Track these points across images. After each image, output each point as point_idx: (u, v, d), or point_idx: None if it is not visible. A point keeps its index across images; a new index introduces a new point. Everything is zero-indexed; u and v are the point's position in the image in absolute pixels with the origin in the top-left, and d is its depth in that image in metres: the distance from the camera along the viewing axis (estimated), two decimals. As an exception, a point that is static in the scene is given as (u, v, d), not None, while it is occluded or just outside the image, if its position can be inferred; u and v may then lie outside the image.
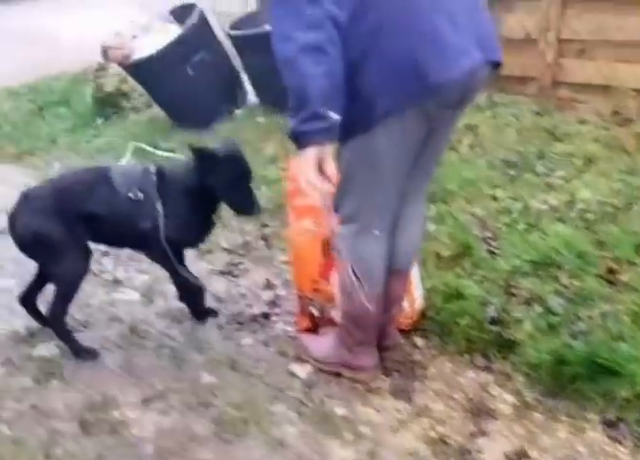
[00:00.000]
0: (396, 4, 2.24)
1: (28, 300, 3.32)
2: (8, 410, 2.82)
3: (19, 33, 10.16)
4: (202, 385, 2.88)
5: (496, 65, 2.41)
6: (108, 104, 6.25)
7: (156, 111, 5.90)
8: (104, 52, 5.24)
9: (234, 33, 5.01)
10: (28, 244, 3.05)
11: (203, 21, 5.28)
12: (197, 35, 5.19)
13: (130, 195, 2.98)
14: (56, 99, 7.19)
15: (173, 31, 5.35)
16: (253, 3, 5.90)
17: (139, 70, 5.37)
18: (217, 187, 2.99)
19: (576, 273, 3.09)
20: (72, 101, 6.91)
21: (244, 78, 5.53)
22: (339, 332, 2.86)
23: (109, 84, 6.16)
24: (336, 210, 2.65)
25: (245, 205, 3.05)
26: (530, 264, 3.19)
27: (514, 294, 3.10)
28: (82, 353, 3.09)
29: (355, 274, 2.66)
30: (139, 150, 5.19)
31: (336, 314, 3.07)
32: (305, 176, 2.26)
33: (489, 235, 3.45)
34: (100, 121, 6.22)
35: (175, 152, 5.12)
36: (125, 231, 3.05)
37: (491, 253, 3.35)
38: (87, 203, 2.98)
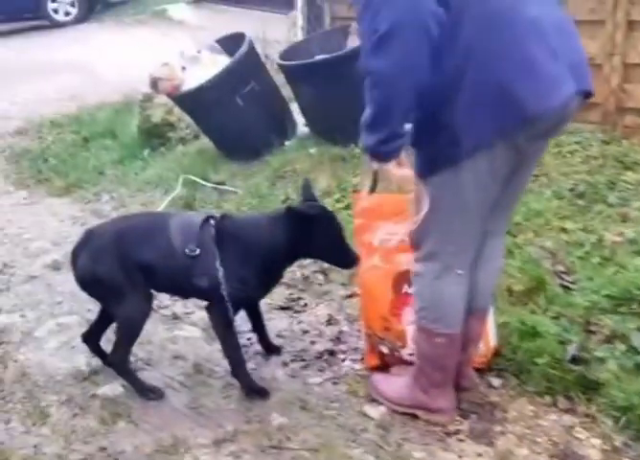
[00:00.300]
0: (485, 23, 2.15)
1: (91, 338, 3.27)
2: (76, 453, 2.75)
3: (55, 63, 10.33)
4: (274, 427, 2.79)
5: (587, 95, 2.33)
6: (155, 135, 6.24)
7: (204, 142, 5.88)
8: (154, 82, 5.23)
9: (284, 63, 4.97)
10: (88, 284, 3.03)
11: (252, 51, 5.25)
12: (247, 65, 5.16)
13: (187, 250, 2.85)
14: (100, 130, 7.20)
15: (222, 61, 5.33)
16: (299, 31, 5.88)
17: (188, 101, 5.34)
18: (316, 246, 2.90)
19: (659, 310, 2.97)
20: (117, 132, 6.91)
21: (294, 108, 5.48)
22: (414, 372, 2.77)
23: (156, 115, 6.15)
24: (416, 247, 2.57)
25: (346, 260, 2.97)
26: (609, 299, 3.07)
27: (593, 332, 2.99)
28: (147, 392, 3.03)
29: (434, 315, 2.57)
30: (189, 182, 5.17)
31: (407, 353, 3.00)
32: (393, 180, 2.44)
33: (561, 269, 3.34)
34: (146, 152, 6.21)
35: (225, 184, 5.09)
36: (182, 285, 2.98)
37: (566, 288, 3.24)
38: (144, 252, 2.91)
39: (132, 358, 3.34)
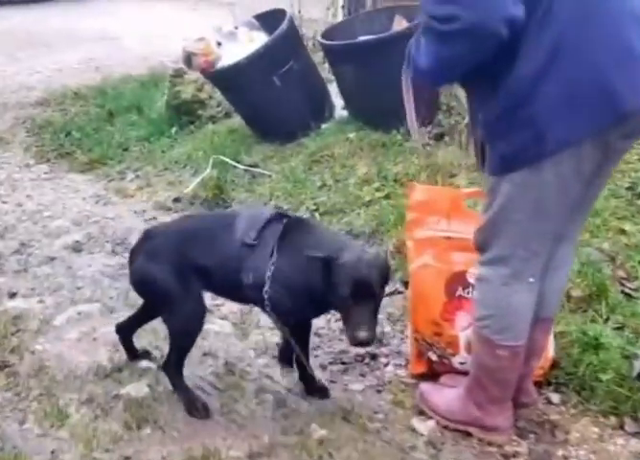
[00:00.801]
0: (579, 12, 1.95)
1: (125, 330, 3.05)
2: (98, 462, 2.54)
3: (80, 34, 10.10)
4: (314, 440, 2.55)
5: None
6: (184, 113, 5.97)
7: (236, 122, 5.62)
8: (187, 57, 4.97)
9: (327, 42, 4.69)
10: (141, 287, 2.81)
11: (292, 29, 4.98)
12: (287, 44, 4.89)
13: (245, 238, 2.57)
14: (125, 104, 6.93)
15: (259, 38, 5.07)
16: (340, 11, 5.59)
17: (223, 78, 5.07)
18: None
19: None
20: (143, 107, 6.65)
21: (331, 90, 5.21)
22: (469, 385, 2.53)
23: (186, 92, 5.89)
24: (482, 249, 2.32)
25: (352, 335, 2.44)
26: (678, 310, 2.83)
27: (660, 345, 2.74)
28: (195, 410, 2.74)
29: (499, 325, 2.33)
30: (219, 163, 4.93)
31: (459, 362, 2.76)
32: None
33: (622, 274, 3.08)
34: (174, 130, 5.96)
35: (258, 167, 4.85)
36: (232, 281, 2.63)
37: (628, 295, 2.99)
38: (204, 256, 2.63)
39: (158, 354, 3.16)
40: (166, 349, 3.13)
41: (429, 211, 2.79)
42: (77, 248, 4.37)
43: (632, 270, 3.09)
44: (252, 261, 2.55)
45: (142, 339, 3.26)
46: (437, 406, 2.63)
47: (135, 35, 9.81)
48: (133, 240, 4.38)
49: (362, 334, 2.35)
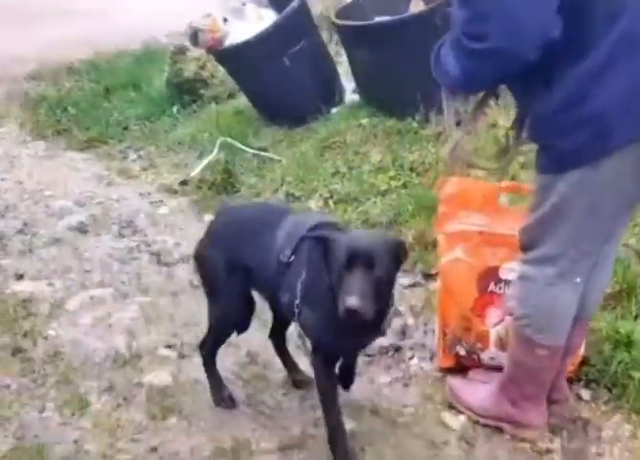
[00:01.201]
0: None
1: (276, 337, 2.85)
2: (123, 453, 2.49)
3: (72, 7, 9.84)
4: (345, 433, 2.53)
5: None
6: (185, 91, 5.85)
7: (241, 102, 5.51)
8: (193, 34, 4.83)
9: (342, 23, 4.57)
10: (195, 262, 2.70)
11: (304, 7, 4.84)
12: (298, 23, 4.76)
13: (281, 256, 2.33)
14: (121, 80, 6.78)
15: (268, 16, 4.95)
16: (349, -10, 5.46)
17: (231, 57, 4.95)
18: None
19: None
20: (141, 84, 6.52)
21: (342, 72, 5.12)
22: (503, 381, 2.50)
23: (188, 69, 5.76)
24: (528, 247, 2.28)
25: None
26: None
27: (691, 344, 2.73)
28: (220, 400, 2.69)
29: (541, 324, 2.30)
30: (226, 146, 4.84)
31: (488, 357, 2.74)
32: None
33: (651, 270, 3.06)
34: (175, 108, 5.84)
35: (267, 151, 4.76)
36: (275, 298, 2.48)
37: (658, 292, 2.97)
38: (249, 252, 2.46)
39: (178, 342, 3.10)
40: (185, 337, 3.12)
41: (461, 205, 2.74)
42: (82, 230, 4.29)
43: (660, 266, 3.07)
44: (287, 279, 2.32)
45: (159, 327, 3.21)
46: (468, 402, 2.60)
47: (128, 10, 9.58)
48: (139, 222, 4.34)
49: (350, 300, 2.01)
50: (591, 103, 1.94)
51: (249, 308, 2.59)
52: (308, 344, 2.35)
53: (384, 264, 2.10)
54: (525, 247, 2.29)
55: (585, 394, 2.68)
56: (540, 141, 2.15)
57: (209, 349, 2.68)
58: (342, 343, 2.26)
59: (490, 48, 1.90)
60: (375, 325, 2.21)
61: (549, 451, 2.45)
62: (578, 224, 2.12)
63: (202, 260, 2.61)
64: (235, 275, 2.48)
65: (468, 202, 2.75)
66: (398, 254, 2.17)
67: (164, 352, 3.02)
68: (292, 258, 2.29)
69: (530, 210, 2.25)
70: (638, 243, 3.21)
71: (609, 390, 2.66)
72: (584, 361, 2.72)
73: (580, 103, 1.96)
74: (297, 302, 2.26)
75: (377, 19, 4.57)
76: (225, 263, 2.49)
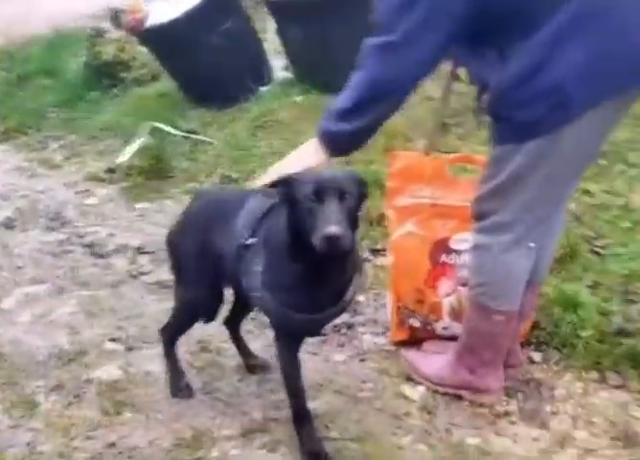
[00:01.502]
0: None
1: (232, 325, 2.77)
2: (80, 451, 2.39)
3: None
4: (307, 413, 2.51)
5: None
6: (105, 75, 5.67)
7: (165, 85, 5.36)
8: (115, 15, 4.69)
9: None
10: (167, 247, 2.57)
11: (229, -15, 4.76)
12: (224, 1, 4.67)
13: (240, 238, 2.22)
14: (34, 67, 6.53)
15: (192, -6, 4.83)
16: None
17: (156, 37, 4.80)
18: None
19: (700, 277, 2.83)
20: (56, 69, 6.28)
21: (269, 50, 5.04)
22: (459, 350, 2.53)
23: (107, 52, 5.58)
24: (481, 216, 2.29)
25: None
26: (646, 267, 2.91)
27: (634, 301, 2.82)
28: (177, 390, 2.62)
29: (496, 291, 2.32)
30: (154, 130, 4.71)
31: (442, 327, 2.77)
32: None
33: (590, 234, 3.14)
34: (95, 94, 5.65)
35: (198, 133, 4.65)
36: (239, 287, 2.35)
37: (597, 254, 3.06)
38: (217, 237, 2.34)
39: (124, 335, 3.01)
40: (130, 330, 3.04)
41: (411, 178, 2.73)
42: (8, 225, 4.13)
43: (599, 229, 3.15)
44: (247, 263, 2.21)
45: (102, 320, 3.11)
46: (426, 372, 2.62)
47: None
48: (68, 214, 4.20)
49: (329, 228, 1.88)
50: (548, 74, 1.95)
51: (218, 297, 2.48)
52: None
53: (353, 195, 2.01)
54: (479, 216, 2.31)
55: (537, 356, 2.74)
56: (498, 113, 2.14)
57: (171, 334, 2.60)
58: (306, 323, 2.20)
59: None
60: (341, 289, 2.17)
61: (507, 414, 2.49)
62: (535, 192, 2.15)
63: (173, 246, 2.51)
64: (205, 263, 2.37)
65: (418, 176, 2.74)
66: (362, 188, 2.09)
67: (110, 346, 2.93)
68: (251, 240, 2.20)
69: (484, 180, 2.26)
70: (577, 207, 3.28)
71: (559, 351, 2.73)
72: (534, 325, 2.77)
73: (536, 75, 1.97)
74: (259, 286, 2.17)
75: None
76: (196, 249, 2.39)
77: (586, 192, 3.32)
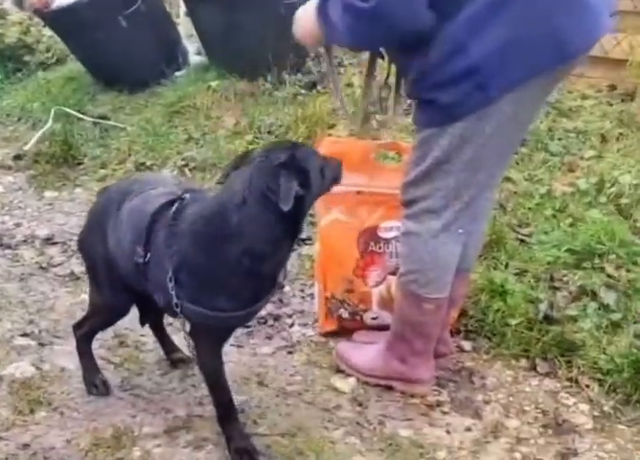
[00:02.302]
0: None
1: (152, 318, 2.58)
2: (-9, 453, 2.22)
3: None
4: (234, 409, 2.40)
5: None
6: (8, 59, 5.37)
7: (72, 68, 5.11)
8: (18, -4, 4.43)
9: (183, -19, 4.34)
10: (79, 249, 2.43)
11: (139, -36, 4.55)
12: (134, -19, 4.47)
13: (135, 257, 2.06)
14: None
15: (98, -25, 4.60)
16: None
17: (62, 20, 4.56)
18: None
19: (622, 264, 2.86)
20: (-45, 53, 5.91)
21: (182, 33, 4.87)
22: (391, 340, 2.47)
23: (9, 36, 5.29)
24: (409, 203, 2.24)
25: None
26: (570, 254, 2.92)
27: (558, 288, 2.83)
28: (94, 388, 2.46)
29: (426, 278, 2.28)
30: (62, 115, 4.47)
31: (371, 317, 2.72)
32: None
33: (514, 221, 3.15)
34: (-2, 78, 5.35)
35: (109, 119, 4.45)
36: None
37: (522, 242, 3.06)
38: (110, 240, 2.20)
39: (35, 329, 2.83)
40: (42, 323, 2.87)
41: (338, 165, 2.66)
42: None
43: (523, 217, 3.16)
44: (153, 279, 2.05)
45: (12, 314, 2.92)
46: (356, 363, 2.56)
47: None
48: (-28, 205, 3.93)
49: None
50: (466, 57, 1.93)
51: (132, 298, 2.32)
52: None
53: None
54: (407, 203, 2.25)
55: (467, 345, 2.72)
56: (420, 96, 2.11)
57: (86, 333, 2.44)
58: (240, 319, 2.07)
59: (374, 8, 1.84)
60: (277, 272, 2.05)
61: (439, 404, 2.45)
62: (460, 176, 2.11)
63: (81, 246, 2.37)
64: (112, 266, 2.20)
65: (345, 162, 2.66)
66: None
67: (21, 341, 2.74)
68: (148, 256, 2.03)
69: (410, 165, 2.21)
70: (501, 195, 3.28)
71: (489, 339, 2.72)
72: (463, 313, 2.75)
73: (457, 56, 1.94)
74: (175, 301, 1.99)
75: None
76: (102, 251, 2.22)
77: (509, 179, 3.32)
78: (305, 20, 2.15)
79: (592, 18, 1.95)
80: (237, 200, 1.91)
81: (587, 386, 2.50)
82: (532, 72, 1.95)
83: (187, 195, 2.08)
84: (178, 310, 2.01)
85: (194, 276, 1.98)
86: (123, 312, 2.36)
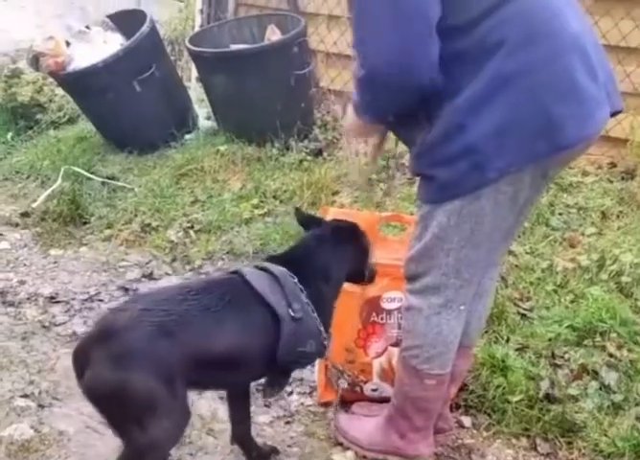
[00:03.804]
0: (521, 42, 1.93)
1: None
2: None
3: None
4: (230, 480, 2.39)
5: (616, 113, 2.14)
6: (20, 116, 5.46)
7: (82, 127, 5.20)
8: (35, 58, 4.53)
9: (197, 49, 4.43)
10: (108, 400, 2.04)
11: (154, 31, 4.68)
12: (148, 48, 4.57)
13: None
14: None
15: (114, 39, 4.74)
16: (198, 16, 5.34)
17: (76, 82, 4.66)
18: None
19: (624, 343, 2.87)
20: (-33, 109, 6.02)
21: (193, 98, 4.98)
22: (391, 414, 2.46)
23: (23, 94, 5.39)
24: (412, 278, 2.26)
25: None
26: (571, 331, 2.93)
27: (559, 366, 2.83)
28: None
29: (428, 354, 2.28)
30: (71, 174, 4.53)
31: (371, 389, 2.72)
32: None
33: (516, 295, 3.16)
34: (10, 135, 5.43)
35: (117, 179, 4.51)
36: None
37: (523, 316, 3.07)
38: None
39: (36, 391, 2.82)
40: (43, 385, 2.85)
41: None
42: None
43: (524, 291, 3.18)
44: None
45: (12, 374, 2.91)
46: (355, 436, 2.54)
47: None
48: (-21, 263, 3.95)
49: None
50: (466, 136, 1.96)
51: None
52: None
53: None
54: (410, 278, 2.28)
55: (466, 421, 2.70)
56: (421, 172, 2.15)
57: None
58: None
59: (366, 75, 1.92)
60: None
61: (437, 482, 2.44)
62: (458, 253, 2.13)
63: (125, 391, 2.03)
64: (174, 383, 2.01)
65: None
66: None
67: (21, 402, 2.72)
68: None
69: (413, 240, 2.24)
70: (502, 268, 3.29)
71: (489, 416, 2.69)
72: (462, 387, 2.74)
73: (456, 136, 1.98)
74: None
75: (234, 47, 4.49)
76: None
77: (510, 252, 3.34)
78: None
79: (590, 109, 1.98)
80: None
81: (588, 469, 2.49)
82: (528, 158, 1.98)
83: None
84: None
85: None
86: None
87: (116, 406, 1.94)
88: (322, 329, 2.23)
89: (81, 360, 1.97)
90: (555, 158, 2.04)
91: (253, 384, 2.54)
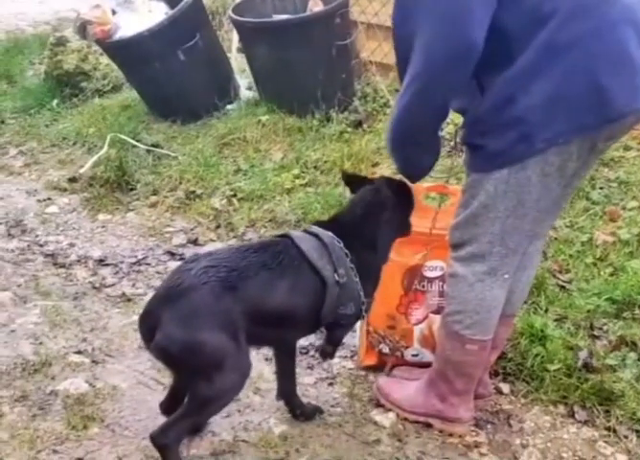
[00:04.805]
0: (574, 12, 1.96)
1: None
2: (46, 466, 2.32)
3: None
4: (276, 435, 2.49)
5: None
6: (65, 84, 5.55)
7: (127, 96, 5.29)
8: (82, 26, 4.61)
9: (240, 19, 4.47)
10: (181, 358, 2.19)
11: (198, 1, 4.72)
12: (193, 17, 4.64)
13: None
14: (-9, 72, 6.35)
15: (159, 9, 4.80)
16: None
17: (122, 50, 4.75)
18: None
19: (663, 316, 2.91)
20: (15, 76, 6.14)
21: (235, 68, 5.03)
22: (431, 378, 2.54)
23: (68, 62, 5.48)
24: (457, 246, 2.32)
25: None
26: (610, 303, 2.98)
27: (598, 337, 2.89)
28: None
29: (471, 320, 2.35)
30: (116, 142, 4.63)
31: (411, 354, 2.79)
32: None
33: (555, 267, 3.21)
34: (55, 102, 5.53)
35: (162, 147, 4.59)
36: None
37: (562, 288, 3.12)
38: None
39: (89, 347, 2.94)
40: (95, 342, 2.96)
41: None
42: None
43: (564, 263, 3.22)
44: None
45: (66, 332, 3.03)
46: (396, 399, 2.62)
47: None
48: (29, 222, 4.09)
49: None
50: (516, 107, 2.01)
51: None
52: None
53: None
54: (455, 245, 2.34)
55: (505, 388, 2.76)
56: (472, 141, 2.20)
57: (180, 436, 2.21)
58: None
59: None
60: None
61: (477, 445, 2.51)
62: (504, 222, 2.18)
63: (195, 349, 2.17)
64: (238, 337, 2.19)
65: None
66: None
67: (75, 358, 2.85)
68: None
69: (460, 208, 2.30)
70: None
71: (527, 383, 2.75)
72: (502, 356, 2.80)
73: (506, 107, 2.03)
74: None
75: (277, 17, 4.53)
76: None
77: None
78: None
79: None
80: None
81: (625, 437, 2.53)
82: (576, 129, 2.02)
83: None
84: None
85: None
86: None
87: (187, 363, 2.08)
88: (362, 293, 2.33)
89: (151, 322, 2.08)
90: (604, 130, 2.07)
91: (298, 346, 2.68)
